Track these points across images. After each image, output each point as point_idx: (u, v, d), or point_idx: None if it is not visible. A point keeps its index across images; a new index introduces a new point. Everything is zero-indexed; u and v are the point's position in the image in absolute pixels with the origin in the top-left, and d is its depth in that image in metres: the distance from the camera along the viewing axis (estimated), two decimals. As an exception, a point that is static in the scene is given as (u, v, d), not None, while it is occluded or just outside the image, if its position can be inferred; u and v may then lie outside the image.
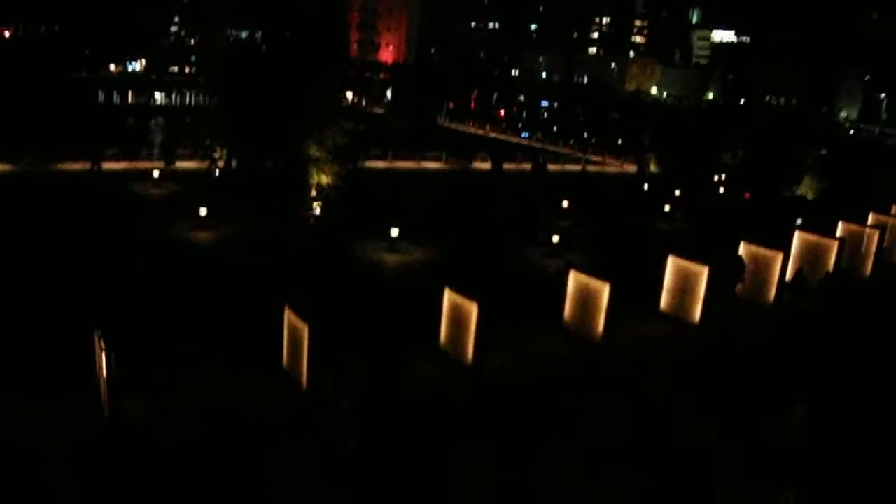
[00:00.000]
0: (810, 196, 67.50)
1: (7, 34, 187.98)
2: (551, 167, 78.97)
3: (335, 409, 19.58)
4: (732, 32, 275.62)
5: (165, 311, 28.10)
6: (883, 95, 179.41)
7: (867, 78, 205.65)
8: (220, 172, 55.24)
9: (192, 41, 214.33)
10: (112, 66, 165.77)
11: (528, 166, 77.04)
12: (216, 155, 53.49)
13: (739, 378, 24.77)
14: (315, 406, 20.89)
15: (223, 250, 38.86)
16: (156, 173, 53.39)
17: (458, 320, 24.53)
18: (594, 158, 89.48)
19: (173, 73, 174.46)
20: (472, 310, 23.81)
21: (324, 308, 25.06)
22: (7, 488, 17.10)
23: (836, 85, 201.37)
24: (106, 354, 19.60)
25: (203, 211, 41.67)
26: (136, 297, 29.67)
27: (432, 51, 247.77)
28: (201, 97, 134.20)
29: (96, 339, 20.61)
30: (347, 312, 27.95)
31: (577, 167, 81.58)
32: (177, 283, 32.30)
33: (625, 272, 29.58)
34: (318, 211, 45.67)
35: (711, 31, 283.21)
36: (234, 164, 50.23)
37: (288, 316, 23.11)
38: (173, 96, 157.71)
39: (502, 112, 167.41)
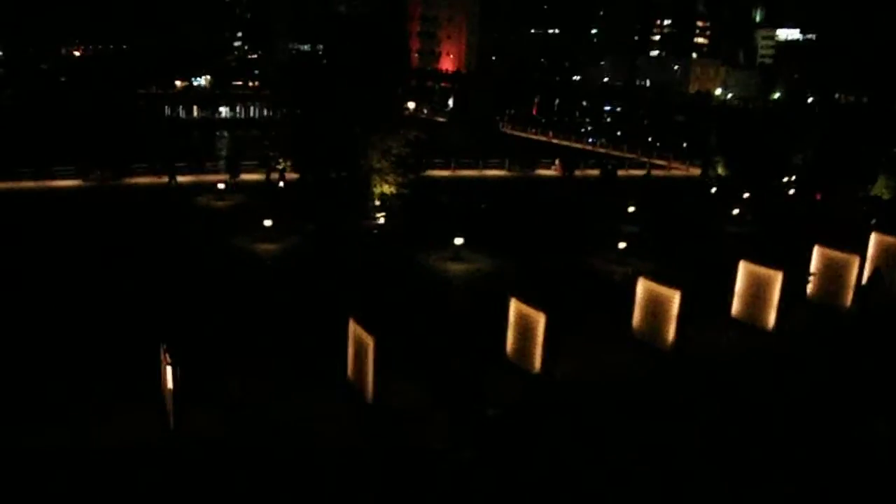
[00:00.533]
0: (886, 196, 65.36)
1: (78, 53, 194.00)
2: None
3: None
4: (798, 31, 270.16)
5: (232, 324, 28.32)
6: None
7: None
8: (283, 184, 55.93)
9: (255, 56, 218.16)
10: (178, 83, 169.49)
11: (595, 172, 76.36)
12: (280, 166, 54.10)
13: (823, 386, 23.96)
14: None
15: (288, 262, 39.16)
16: (221, 185, 54.22)
17: (524, 330, 24.19)
18: (659, 162, 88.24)
19: (237, 87, 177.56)
20: (540, 320, 23.44)
21: (389, 320, 24.98)
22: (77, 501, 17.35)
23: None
24: (172, 367, 19.79)
25: (268, 222, 42.05)
26: (202, 309, 29.99)
27: (493, 58, 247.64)
28: (265, 110, 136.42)
29: (162, 352, 20.83)
30: (412, 324, 27.82)
31: (642, 172, 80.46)
32: (242, 295, 32.56)
33: (695, 278, 28.90)
34: (381, 221, 45.74)
35: (776, 30, 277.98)
36: (297, 175, 50.67)
37: (353, 328, 23.06)
38: (237, 109, 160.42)
39: (566, 118, 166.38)
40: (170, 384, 20.04)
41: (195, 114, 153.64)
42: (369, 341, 21.68)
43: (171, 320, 27.57)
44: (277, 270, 37.72)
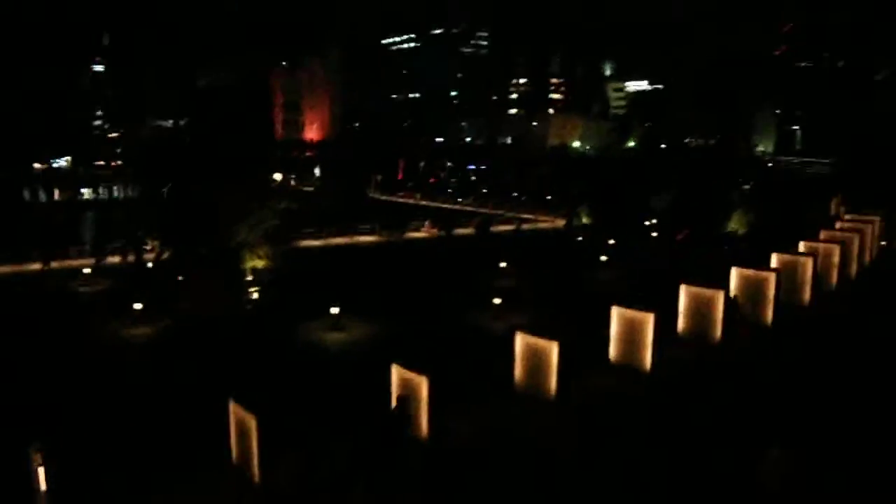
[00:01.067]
0: (741, 231, 68.78)
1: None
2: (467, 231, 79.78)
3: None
4: (646, 82, 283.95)
5: (107, 416, 27.01)
6: (796, 127, 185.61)
7: (779, 112, 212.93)
8: (152, 264, 54.37)
9: (117, 134, 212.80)
10: (37, 164, 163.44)
11: (466, 230, 77.45)
12: (147, 247, 52.66)
13: (701, 421, 24.55)
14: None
15: (161, 345, 37.83)
16: (87, 270, 52.23)
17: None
18: (526, 216, 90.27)
19: (99, 167, 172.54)
20: (423, 384, 23.27)
21: (270, 397, 24.31)
22: None
23: (750, 121, 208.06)
24: (45, 467, 18.63)
25: (138, 306, 40.67)
26: (75, 403, 28.51)
27: (357, 125, 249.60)
28: (128, 190, 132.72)
29: (33, 454, 19.58)
30: (294, 399, 27.19)
31: (510, 227, 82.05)
32: (115, 384, 31.18)
33: (570, 327, 29.40)
34: (255, 295, 44.89)
35: (625, 82, 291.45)
36: (166, 254, 49.41)
37: (233, 409, 22.29)
38: (100, 190, 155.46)
39: (433, 179, 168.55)
40: (43, 485, 18.82)
41: (56, 196, 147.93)
42: (252, 421, 20.98)
43: (41, 417, 26.06)
44: (151, 354, 36.35)
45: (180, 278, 46.68)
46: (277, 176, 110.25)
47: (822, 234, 46.40)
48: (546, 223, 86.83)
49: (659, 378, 28.66)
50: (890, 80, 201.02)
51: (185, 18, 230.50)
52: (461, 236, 75.63)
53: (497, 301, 41.37)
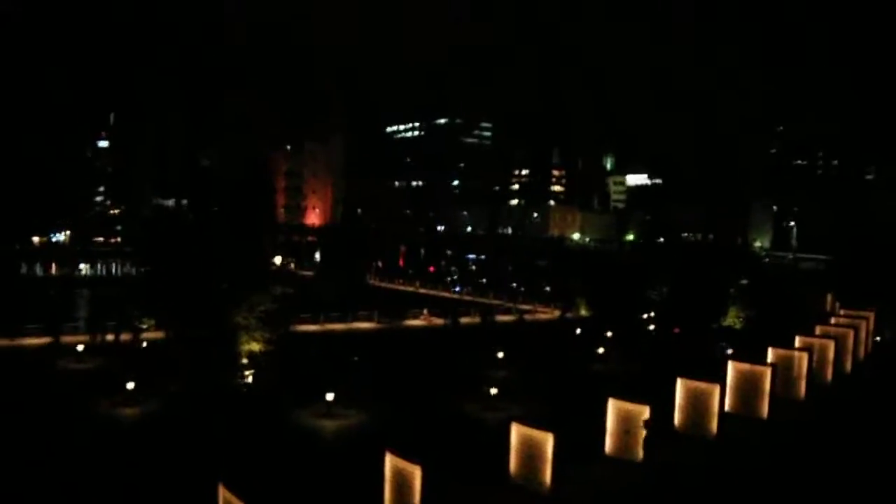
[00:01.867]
0: (737, 326, 68.80)
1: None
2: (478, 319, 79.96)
3: None
4: (645, 176, 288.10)
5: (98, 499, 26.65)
6: (792, 224, 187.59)
7: (774, 209, 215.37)
8: (147, 344, 54.15)
9: (117, 210, 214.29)
10: (35, 238, 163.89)
11: (468, 320, 77.76)
12: (143, 326, 52.57)
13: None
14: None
15: (151, 427, 37.48)
16: (80, 347, 52.05)
17: (401, 485, 23.66)
18: (525, 307, 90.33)
19: (98, 243, 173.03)
20: (416, 473, 23.04)
21: (261, 483, 24.06)
22: None
23: (747, 217, 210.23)
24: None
25: (130, 385, 40.45)
26: (61, 484, 28.14)
27: (358, 210, 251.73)
28: (127, 267, 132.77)
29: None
30: (286, 486, 26.88)
31: (508, 317, 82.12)
32: (102, 465, 30.80)
33: (567, 419, 29.20)
34: (250, 379, 44.67)
35: (625, 175, 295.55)
36: (163, 334, 49.35)
37: (223, 494, 22.02)
38: (98, 266, 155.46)
39: (432, 268, 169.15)
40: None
41: (53, 271, 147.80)
42: (240, 507, 20.71)
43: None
44: (141, 435, 35.99)
45: (174, 358, 46.52)
46: (277, 260, 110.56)
47: (818, 330, 46.47)
48: (545, 314, 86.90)
49: (654, 472, 28.36)
50: (880, 180, 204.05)
51: (191, 97, 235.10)
52: (465, 325, 75.72)
53: (493, 391, 41.19)
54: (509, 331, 71.68)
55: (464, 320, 78.69)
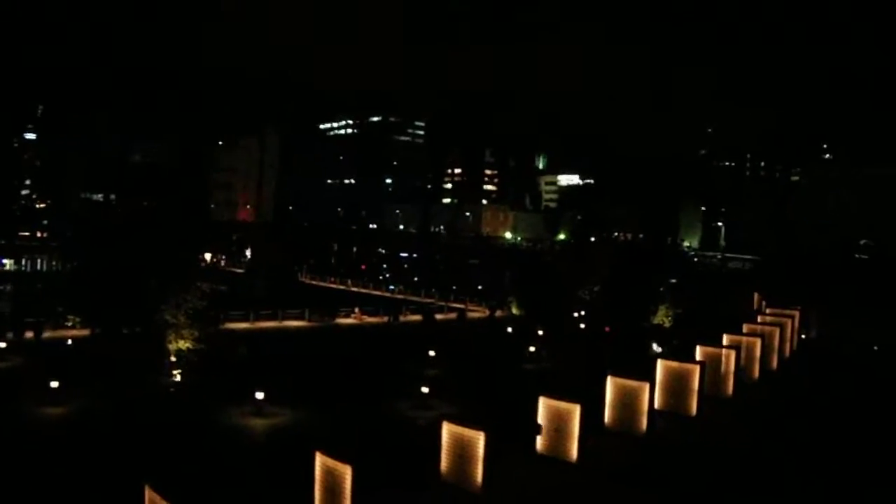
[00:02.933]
0: (667, 324, 69.95)
1: None
2: (414, 317, 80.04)
3: None
4: (577, 176, 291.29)
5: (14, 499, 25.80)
6: (720, 224, 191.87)
7: (703, 209, 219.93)
8: (73, 341, 52.76)
9: (44, 204, 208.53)
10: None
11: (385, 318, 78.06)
12: (69, 323, 51.25)
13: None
14: None
15: (76, 426, 36.47)
16: (2, 344, 50.44)
17: (332, 485, 23.40)
18: (456, 305, 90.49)
19: (23, 238, 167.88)
20: (347, 473, 22.80)
21: (187, 485, 23.55)
22: None
23: (676, 217, 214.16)
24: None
25: (54, 384, 39.32)
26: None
27: (290, 208, 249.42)
28: (53, 262, 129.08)
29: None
30: (214, 487, 26.38)
31: (441, 316, 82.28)
32: (25, 466, 29.84)
33: (498, 417, 29.29)
34: (178, 377, 43.79)
35: (557, 176, 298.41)
36: (89, 332, 48.25)
37: (149, 495, 21.50)
38: (23, 262, 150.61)
39: (364, 266, 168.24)
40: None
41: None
42: (166, 509, 20.24)
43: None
44: (66, 436, 34.97)
45: (101, 356, 45.45)
46: (207, 256, 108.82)
47: (745, 328, 47.58)
48: (477, 312, 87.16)
49: (585, 469, 28.63)
50: (806, 182, 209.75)
51: (122, 92, 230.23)
52: (402, 323, 75.81)
53: (425, 390, 41.10)
54: (445, 329, 71.82)
55: (408, 319, 78.80)
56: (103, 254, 46.96)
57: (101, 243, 47.79)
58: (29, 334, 56.03)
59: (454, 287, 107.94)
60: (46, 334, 57.11)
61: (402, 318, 79.52)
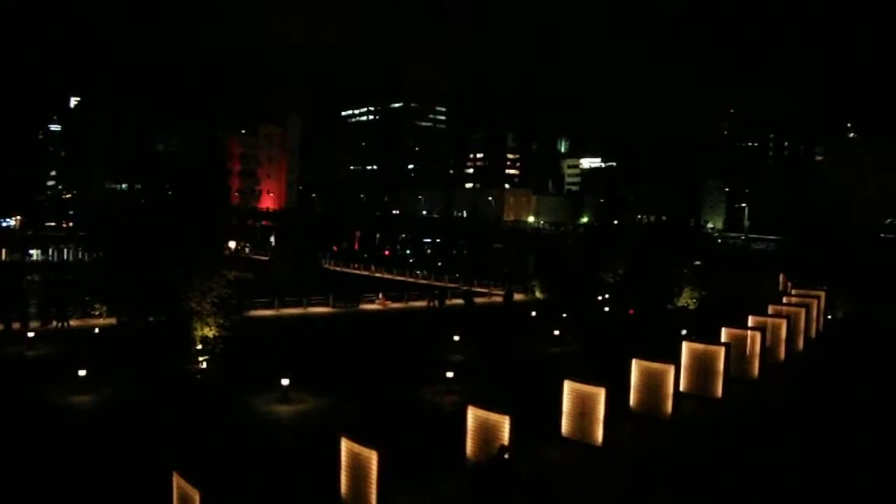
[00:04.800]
0: (691, 306, 69.62)
1: None
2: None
3: None
4: (599, 159, 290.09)
5: (44, 486, 26.11)
6: (744, 205, 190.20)
7: (727, 190, 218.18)
8: (99, 330, 53.35)
9: (70, 195, 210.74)
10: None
11: (420, 303, 78.22)
12: (96, 312, 51.73)
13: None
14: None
15: (104, 415, 36.87)
16: (31, 334, 51.09)
17: (357, 471, 23.52)
18: (480, 290, 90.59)
19: (50, 228, 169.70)
20: (372, 458, 22.90)
21: (215, 471, 23.75)
22: None
23: (700, 198, 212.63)
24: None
25: (82, 372, 39.76)
26: (9, 474, 27.55)
27: (313, 195, 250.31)
28: (79, 252, 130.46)
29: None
30: (241, 473, 26.59)
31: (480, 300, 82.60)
32: (54, 454, 30.22)
33: (523, 401, 29.28)
34: (203, 365, 44.12)
35: (580, 159, 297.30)
36: (115, 321, 48.65)
37: (177, 482, 21.70)
38: (50, 252, 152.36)
39: (387, 252, 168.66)
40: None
41: (3, 257, 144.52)
42: (195, 496, 20.42)
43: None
44: (94, 423, 35.38)
45: (127, 345, 45.84)
46: (232, 244, 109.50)
47: (771, 309, 47.27)
48: (500, 297, 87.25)
49: (611, 452, 28.61)
50: (829, 161, 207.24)
51: (146, 82, 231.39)
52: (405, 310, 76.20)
53: (450, 374, 41.15)
54: (482, 313, 72.12)
55: (417, 304, 79.02)
56: (127, 242, 47.24)
57: (125, 232, 48.09)
58: (56, 324, 56.73)
59: (479, 272, 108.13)
60: (74, 323, 57.78)
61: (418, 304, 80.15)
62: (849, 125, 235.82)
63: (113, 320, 49.62)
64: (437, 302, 78.11)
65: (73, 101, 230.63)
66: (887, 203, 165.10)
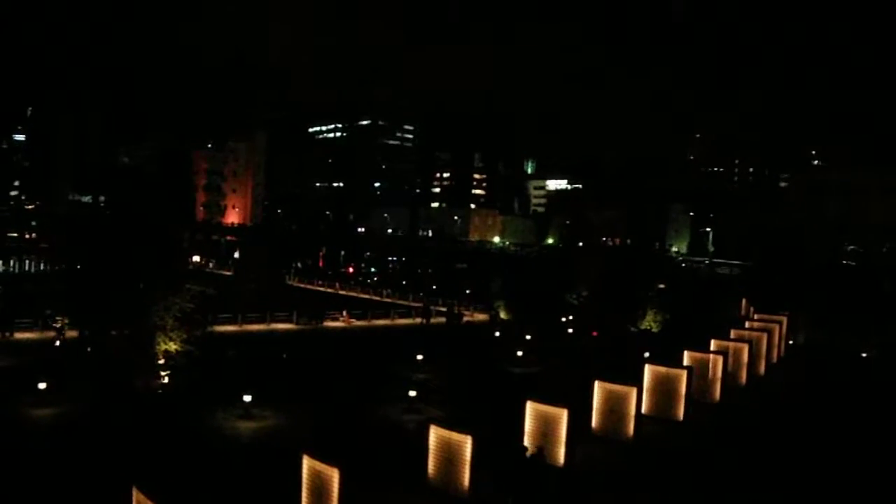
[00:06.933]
0: (654, 329, 70.17)
1: None
2: (404, 321, 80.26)
3: None
4: (565, 181, 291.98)
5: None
6: (708, 229, 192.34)
7: (692, 214, 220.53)
8: (61, 343, 52.65)
9: (33, 206, 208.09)
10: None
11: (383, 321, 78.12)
12: (57, 324, 51.11)
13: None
14: None
15: (63, 428, 36.33)
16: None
17: (319, 488, 23.42)
18: (443, 309, 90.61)
19: (12, 239, 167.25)
20: (334, 476, 22.82)
21: (175, 487, 23.51)
22: None
23: (665, 222, 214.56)
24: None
25: (42, 385, 39.23)
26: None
27: (279, 211, 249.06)
28: (42, 264, 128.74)
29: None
30: (201, 489, 26.35)
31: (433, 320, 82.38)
32: (11, 467, 29.72)
33: (485, 421, 29.35)
34: (166, 380, 43.68)
35: (546, 180, 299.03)
36: (76, 333, 48.16)
37: (136, 497, 21.46)
38: (11, 263, 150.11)
39: (351, 269, 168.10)
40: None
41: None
42: (153, 512, 20.20)
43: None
44: (53, 437, 34.85)
45: (89, 358, 45.32)
46: (196, 258, 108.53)
47: (733, 333, 47.84)
48: (465, 317, 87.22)
49: (572, 474, 28.72)
50: (793, 187, 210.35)
51: (112, 94, 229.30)
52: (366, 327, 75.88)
53: (413, 393, 41.13)
54: (435, 332, 71.99)
55: (380, 322, 79.02)
56: (90, 255, 46.77)
57: (89, 244, 47.61)
58: (21, 335, 55.98)
59: (442, 291, 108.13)
60: (34, 336, 57.00)
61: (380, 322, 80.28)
62: (813, 153, 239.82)
63: (75, 333, 49.00)
64: (425, 319, 78.83)
65: (30, 111, 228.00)
66: (849, 230, 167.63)
